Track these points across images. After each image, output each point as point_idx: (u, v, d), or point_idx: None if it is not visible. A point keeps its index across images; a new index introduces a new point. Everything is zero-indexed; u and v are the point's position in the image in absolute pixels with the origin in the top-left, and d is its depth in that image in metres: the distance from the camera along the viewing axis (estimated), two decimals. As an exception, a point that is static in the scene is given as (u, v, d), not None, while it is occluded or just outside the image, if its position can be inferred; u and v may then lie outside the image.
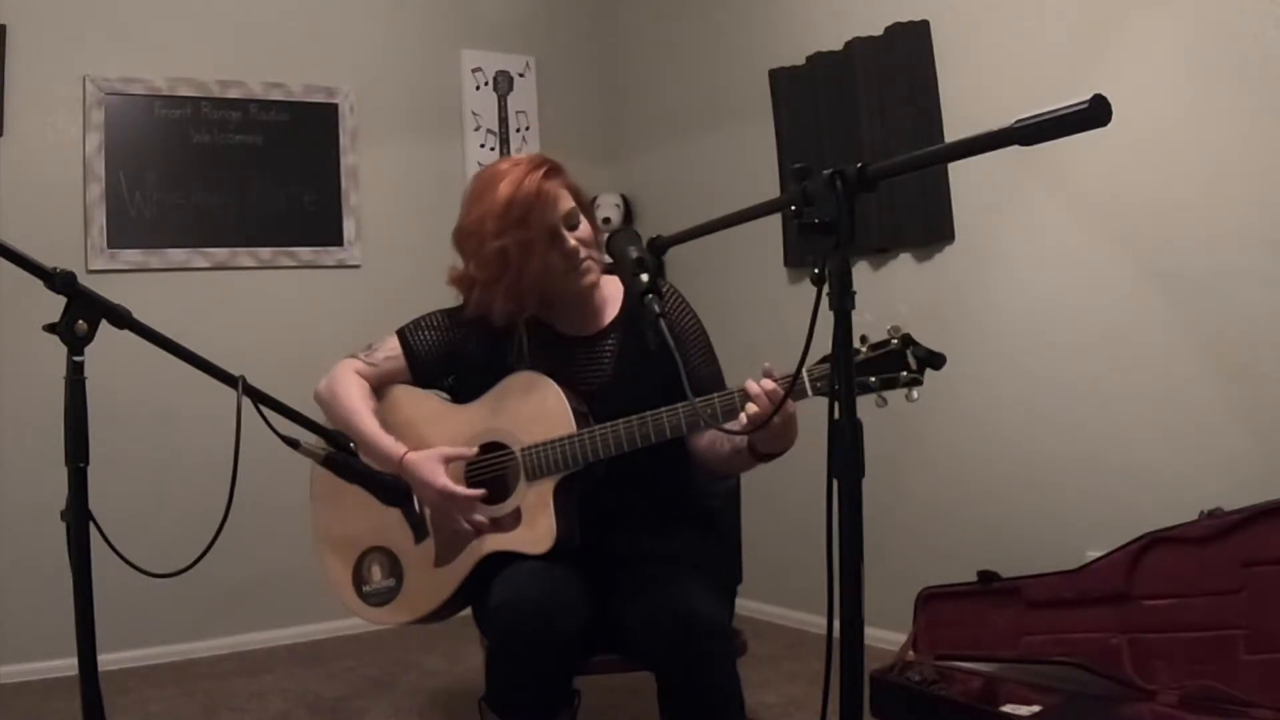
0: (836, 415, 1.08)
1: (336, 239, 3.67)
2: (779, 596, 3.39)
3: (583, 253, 1.73)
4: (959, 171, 2.82)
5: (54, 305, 1.19)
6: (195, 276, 3.43)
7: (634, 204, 4.10)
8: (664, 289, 1.76)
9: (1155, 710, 2.08)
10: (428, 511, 1.74)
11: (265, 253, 3.55)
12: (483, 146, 3.98)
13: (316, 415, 1.74)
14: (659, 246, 1.53)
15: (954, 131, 2.83)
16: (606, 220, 3.99)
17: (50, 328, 1.19)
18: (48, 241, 3.08)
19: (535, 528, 1.66)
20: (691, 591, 1.59)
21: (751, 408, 1.48)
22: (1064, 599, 2.34)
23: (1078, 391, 2.59)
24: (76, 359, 1.20)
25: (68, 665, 1.46)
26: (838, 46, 3.13)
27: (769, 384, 1.48)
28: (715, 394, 1.57)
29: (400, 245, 3.69)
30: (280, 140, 3.58)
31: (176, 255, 3.40)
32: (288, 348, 3.32)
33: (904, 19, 2.92)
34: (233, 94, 3.49)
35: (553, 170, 1.73)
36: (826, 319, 1.08)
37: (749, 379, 1.50)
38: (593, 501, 1.72)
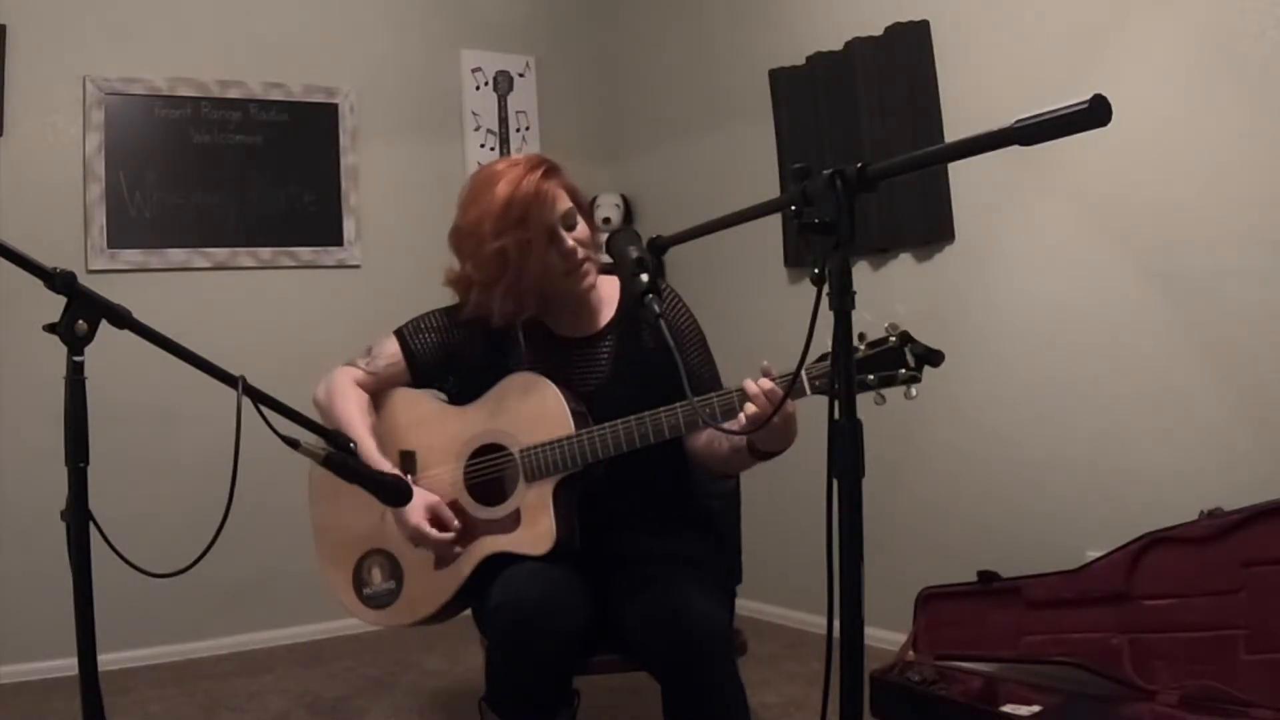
0: (836, 415, 1.08)
1: (336, 239, 3.67)
2: (779, 596, 3.39)
3: (581, 253, 1.72)
4: (959, 171, 2.82)
5: (54, 305, 1.19)
6: (195, 276, 3.43)
7: (634, 204, 4.10)
8: (663, 289, 1.76)
9: (1155, 710, 2.08)
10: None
11: (265, 253, 3.55)
12: (483, 146, 3.98)
13: (316, 415, 1.74)
14: (659, 246, 1.52)
15: (954, 131, 2.83)
16: (606, 220, 3.99)
17: (50, 328, 1.19)
18: (48, 241, 3.08)
19: (535, 529, 1.66)
20: (691, 593, 1.59)
21: (750, 407, 1.48)
22: (1064, 599, 2.34)
23: (1078, 391, 2.59)
24: (76, 359, 1.20)
25: (68, 665, 1.46)
26: (838, 46, 3.13)
27: (767, 383, 1.48)
28: (714, 394, 1.57)
29: (400, 245, 3.69)
30: (280, 140, 3.58)
31: (176, 255, 3.40)
32: (288, 348, 3.32)
33: (904, 19, 2.92)
34: (233, 94, 3.49)
35: (551, 170, 1.72)
36: (826, 319, 1.08)
37: (747, 378, 1.50)
38: (592, 502, 1.71)
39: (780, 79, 3.37)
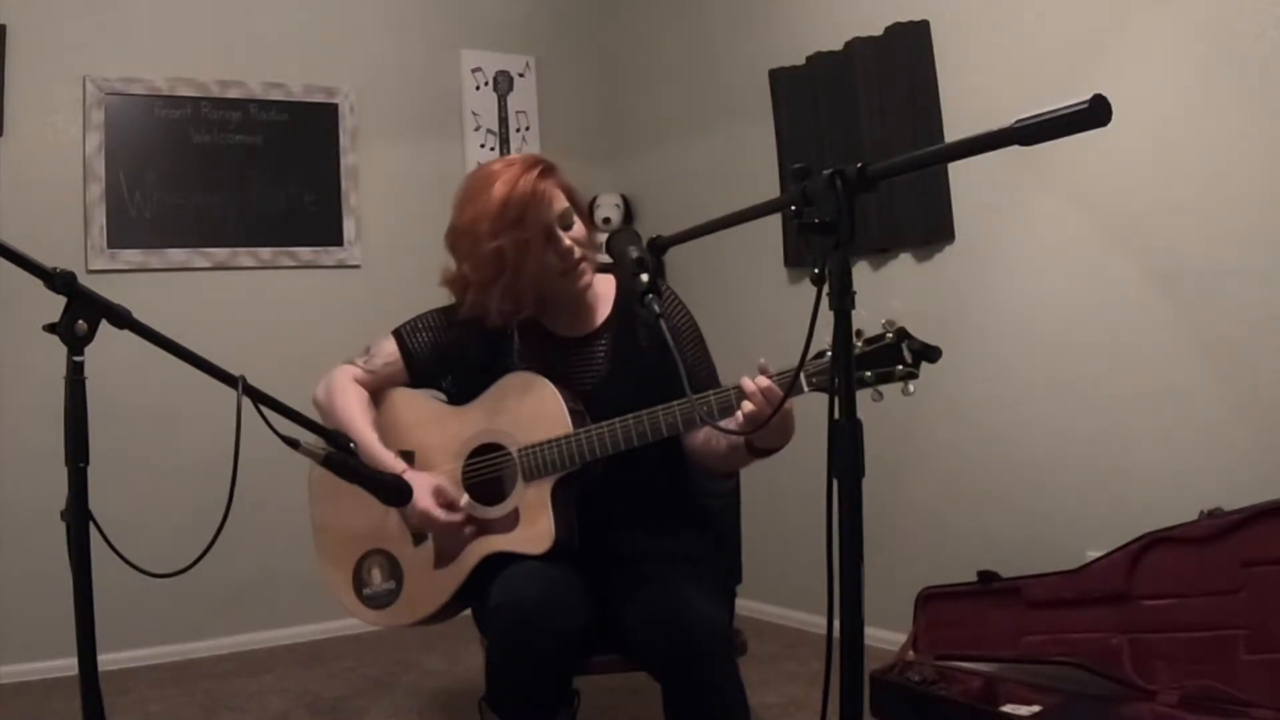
0: (836, 415, 1.08)
1: (336, 239, 3.67)
2: (779, 596, 3.39)
3: (578, 253, 1.72)
4: (959, 171, 2.82)
5: (54, 305, 1.19)
6: (195, 276, 3.43)
7: (634, 204, 4.10)
8: (662, 289, 1.76)
9: (1155, 710, 2.08)
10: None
11: (265, 253, 3.55)
12: (483, 146, 3.98)
13: (316, 416, 1.74)
14: (659, 246, 1.52)
15: (954, 131, 2.83)
16: (606, 220, 3.99)
17: (50, 328, 1.20)
18: (48, 241, 3.08)
19: (534, 528, 1.66)
20: (691, 592, 1.59)
21: (747, 405, 1.48)
22: (1064, 599, 2.34)
23: (1078, 391, 2.59)
24: (76, 359, 1.20)
25: (68, 665, 1.46)
26: (838, 46, 3.13)
27: (764, 381, 1.48)
28: (711, 392, 1.57)
29: (400, 245, 3.69)
30: (280, 140, 3.58)
31: (176, 255, 3.40)
32: (288, 348, 3.32)
33: (904, 19, 2.92)
34: (233, 94, 3.49)
35: (547, 170, 1.72)
36: (825, 318, 1.08)
37: (744, 376, 1.50)
38: (591, 501, 1.71)
39: (780, 79, 3.37)
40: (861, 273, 3.09)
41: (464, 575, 1.70)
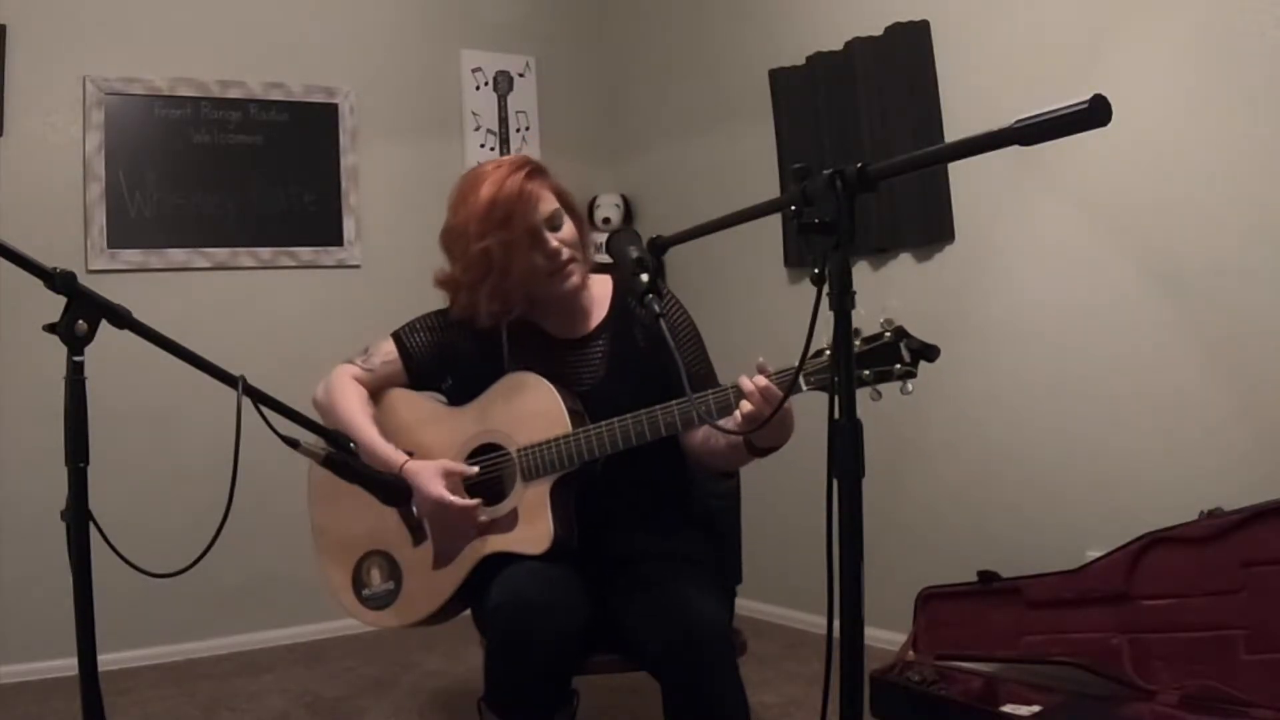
0: (836, 415, 1.08)
1: (336, 239, 3.67)
2: (779, 596, 3.39)
3: (565, 253, 1.72)
4: (959, 171, 2.82)
5: (54, 305, 1.19)
6: (195, 276, 3.43)
7: (634, 204, 4.09)
8: (661, 290, 1.76)
9: (1155, 710, 2.08)
10: (426, 514, 1.74)
11: (265, 253, 3.55)
12: (483, 146, 3.98)
13: (316, 415, 1.74)
14: (659, 246, 1.53)
15: (954, 131, 2.83)
16: (606, 220, 3.99)
17: (50, 328, 1.20)
18: (48, 241, 3.09)
19: (533, 528, 1.66)
20: (691, 592, 1.59)
21: (745, 405, 1.48)
22: (1064, 599, 2.34)
23: (1078, 391, 2.59)
24: (76, 359, 1.20)
25: (68, 665, 1.46)
26: (838, 46, 3.13)
27: (762, 381, 1.48)
28: (709, 391, 1.57)
29: (400, 245, 3.68)
30: (280, 140, 3.58)
31: (176, 255, 3.40)
32: (288, 348, 3.32)
33: (904, 19, 2.92)
34: (233, 94, 3.49)
35: (535, 171, 1.73)
36: (825, 318, 1.08)
37: (742, 375, 1.50)
38: (590, 501, 1.71)
39: (780, 79, 3.37)
40: (861, 273, 3.09)
41: (463, 575, 1.70)
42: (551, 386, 1.70)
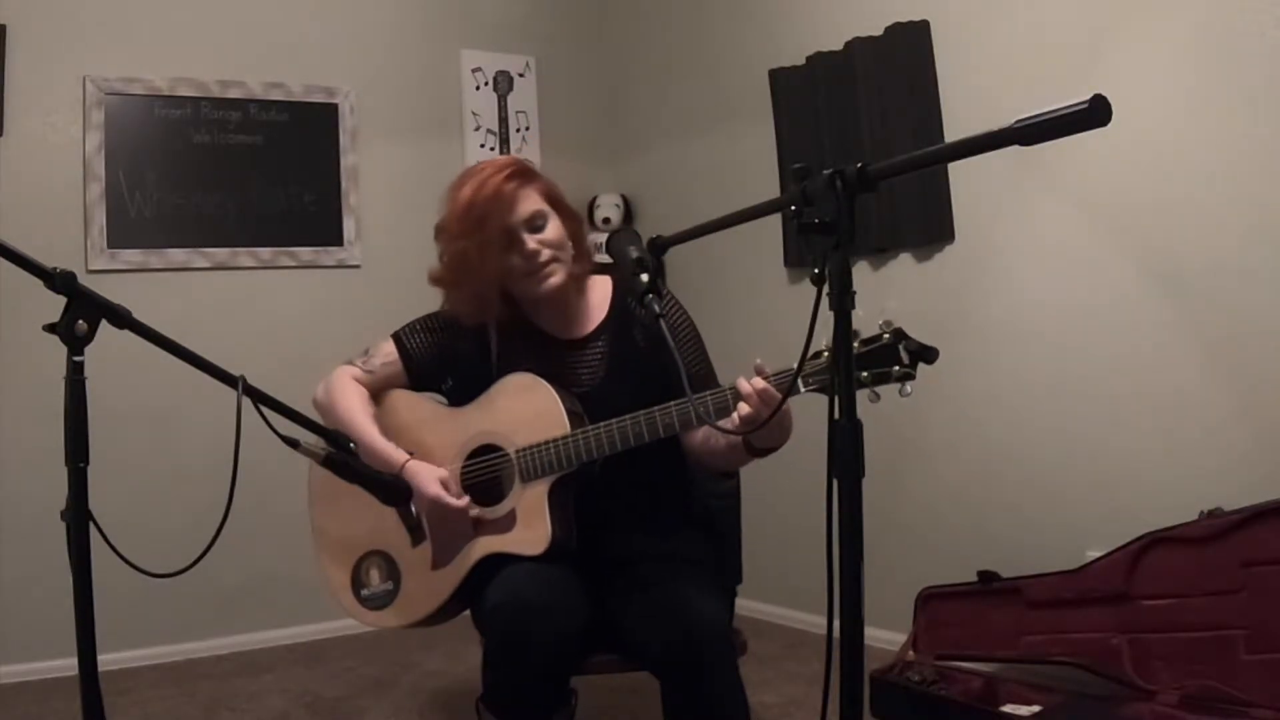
0: (836, 415, 1.08)
1: (336, 239, 3.67)
2: (779, 596, 3.39)
3: (544, 255, 1.72)
4: (959, 171, 2.82)
5: (54, 305, 1.19)
6: (195, 276, 3.43)
7: (634, 204, 4.09)
8: (662, 290, 1.76)
9: (1155, 710, 2.08)
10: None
11: (265, 253, 3.55)
12: (483, 146, 3.98)
13: (316, 415, 1.74)
14: (659, 246, 1.53)
15: (954, 131, 2.83)
16: (606, 220, 3.99)
17: (50, 328, 1.19)
18: (48, 241, 3.09)
19: (531, 529, 1.66)
20: (691, 592, 1.59)
21: (743, 407, 1.48)
22: (1064, 599, 2.34)
23: (1078, 391, 2.59)
24: (76, 359, 1.20)
25: (68, 665, 1.46)
26: (838, 46, 3.13)
27: (760, 383, 1.48)
28: (708, 392, 1.57)
29: (400, 245, 3.67)
30: (280, 140, 3.58)
31: (176, 255, 3.40)
32: (288, 348, 3.32)
33: (904, 19, 2.92)
34: (233, 94, 3.49)
35: (517, 172, 1.74)
36: (825, 319, 1.08)
37: (740, 377, 1.50)
38: (589, 502, 1.71)
39: (780, 79, 3.37)
40: (861, 273, 3.09)
41: (462, 576, 1.70)
42: (550, 388, 1.70)
